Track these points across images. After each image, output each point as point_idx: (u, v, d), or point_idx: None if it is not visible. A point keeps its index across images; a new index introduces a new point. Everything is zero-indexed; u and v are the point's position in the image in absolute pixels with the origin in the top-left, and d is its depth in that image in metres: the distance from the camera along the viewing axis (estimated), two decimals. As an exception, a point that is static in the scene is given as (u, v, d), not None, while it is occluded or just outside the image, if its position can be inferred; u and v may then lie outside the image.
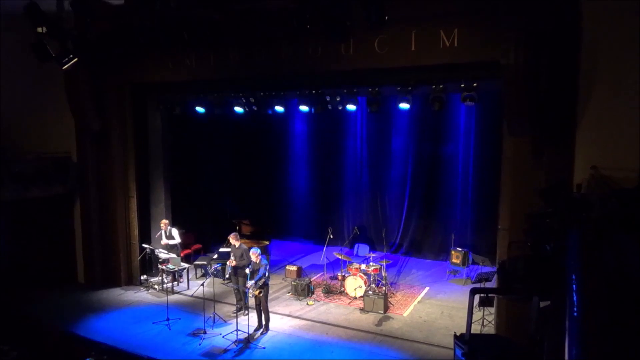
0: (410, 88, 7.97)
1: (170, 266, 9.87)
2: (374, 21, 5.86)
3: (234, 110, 9.60)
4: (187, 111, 10.05)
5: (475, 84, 7.53)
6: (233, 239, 8.69)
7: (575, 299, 3.73)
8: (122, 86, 9.77)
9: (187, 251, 11.44)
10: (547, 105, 6.32)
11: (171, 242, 10.25)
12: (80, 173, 10.22)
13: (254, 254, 8.09)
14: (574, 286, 3.81)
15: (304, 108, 8.99)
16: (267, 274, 8.02)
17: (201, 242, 12.02)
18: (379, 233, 11.65)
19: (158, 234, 10.26)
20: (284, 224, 13.56)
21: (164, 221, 10.32)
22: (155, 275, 10.47)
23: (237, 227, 11.52)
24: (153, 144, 10.52)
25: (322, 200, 13.07)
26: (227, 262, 8.64)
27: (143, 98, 10.19)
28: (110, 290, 10.13)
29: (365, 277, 9.41)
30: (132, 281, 10.44)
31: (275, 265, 11.47)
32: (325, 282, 10.17)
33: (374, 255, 10.14)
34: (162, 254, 10.04)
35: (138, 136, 10.15)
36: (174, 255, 10.09)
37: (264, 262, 8.08)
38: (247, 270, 8.08)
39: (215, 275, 9.34)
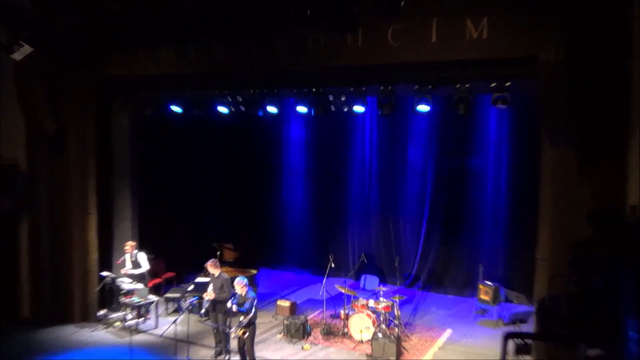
0: (430, 87, 8.08)
1: (135, 299, 9.91)
2: (387, 7, 5.89)
3: (217, 111, 9.70)
4: (161, 112, 10.15)
5: (508, 83, 7.59)
6: (212, 267, 8.76)
7: (631, 348, 3.67)
8: (84, 81, 9.79)
9: (156, 281, 11.51)
10: (595, 111, 6.40)
11: (137, 270, 10.31)
12: (29, 184, 10.29)
13: (239, 285, 8.14)
14: (630, 332, 3.77)
15: (302, 109, 9.08)
16: (253, 310, 8.03)
17: (174, 269, 12.11)
18: (391, 262, 11.75)
19: (121, 259, 10.30)
20: (276, 250, 13.73)
21: (130, 243, 10.35)
22: (117, 310, 10.46)
23: (219, 253, 11.58)
24: (119, 150, 10.61)
25: (322, 222, 13.26)
26: (204, 295, 8.68)
27: (108, 96, 10.26)
28: (61, 327, 10.11)
29: (373, 315, 9.44)
30: (88, 317, 10.40)
31: (264, 299, 11.45)
32: (324, 321, 10.17)
33: (384, 289, 10.17)
34: (126, 284, 10.12)
35: (101, 141, 10.21)
36: (140, 286, 10.14)
37: (251, 294, 8.13)
38: (229, 304, 8.09)
39: (190, 311, 9.19)
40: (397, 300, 9.80)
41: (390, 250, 12.32)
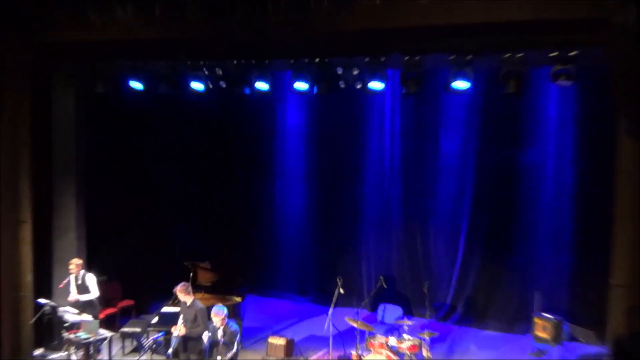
0: (469, 57, 8.04)
1: (82, 334, 9.85)
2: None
3: (190, 89, 9.75)
4: (116, 89, 10.15)
5: (574, 53, 7.57)
6: (182, 293, 8.89)
7: None
8: (16, 48, 9.68)
9: (110, 310, 11.51)
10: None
11: (84, 296, 10.33)
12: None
13: (218, 316, 8.31)
14: None
15: (301, 86, 9.06)
16: (236, 348, 8.20)
17: (133, 296, 12.13)
18: (419, 287, 11.75)
19: (64, 282, 10.34)
20: (267, 270, 13.85)
21: (75, 262, 10.38)
22: (58, 349, 10.40)
23: (192, 274, 11.56)
24: (61, 140, 10.68)
25: (327, 234, 13.41)
26: (173, 330, 8.75)
27: (49, 68, 10.28)
28: None
29: (395, 358, 9.46)
30: (20, 357, 10.20)
31: (252, 335, 11.45)
32: None
33: (409, 322, 10.24)
34: (70, 315, 10.09)
35: (37, 127, 10.18)
36: (88, 317, 10.10)
37: (233, 328, 8.31)
38: (205, 341, 8.24)
39: (154, 351, 9.34)
40: (427, 337, 9.84)
41: (417, 271, 12.47)
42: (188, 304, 8.87)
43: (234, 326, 8.35)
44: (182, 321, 8.75)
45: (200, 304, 8.95)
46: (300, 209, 13.72)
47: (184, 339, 8.68)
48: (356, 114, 12.68)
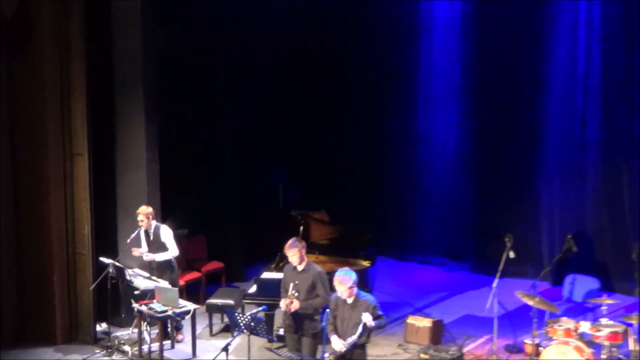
0: None
1: (156, 306, 9.87)
2: None
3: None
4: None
5: None
6: (294, 253, 8.70)
7: None
8: None
9: (192, 275, 11.67)
10: None
11: (159, 255, 10.40)
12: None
13: (344, 284, 8.12)
14: None
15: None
16: (360, 328, 7.99)
17: (223, 256, 12.24)
18: (623, 252, 11.84)
19: (132, 235, 10.38)
20: (405, 225, 13.90)
21: (144, 210, 10.39)
22: (127, 324, 10.70)
23: (303, 227, 11.41)
24: (123, 49, 10.82)
25: (489, 176, 13.34)
26: (282, 303, 8.65)
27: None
28: (32, 351, 10.41)
29: (588, 350, 9.27)
30: (77, 335, 10.61)
31: (382, 309, 10.78)
32: (495, 356, 10.24)
33: (609, 301, 10.04)
34: (141, 280, 10.21)
35: (94, 33, 10.42)
36: (164, 284, 10.14)
37: (367, 300, 8.20)
38: (323, 322, 8.22)
39: (252, 331, 8.82)
40: (636, 323, 9.58)
41: (621, 230, 12.28)
42: (301, 268, 8.70)
43: (368, 296, 8.25)
44: (293, 291, 8.52)
45: (319, 268, 8.87)
46: (450, 140, 13.68)
47: (296, 317, 8.57)
48: (531, 5, 12.62)
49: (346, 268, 8.56)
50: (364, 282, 10.71)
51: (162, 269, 10.45)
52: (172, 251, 10.44)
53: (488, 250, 12.45)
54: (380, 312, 8.32)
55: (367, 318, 8.01)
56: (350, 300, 8.12)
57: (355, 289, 8.13)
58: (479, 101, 13.46)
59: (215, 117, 12.82)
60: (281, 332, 9.15)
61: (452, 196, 13.76)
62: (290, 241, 8.79)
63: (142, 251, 10.41)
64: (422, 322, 10.63)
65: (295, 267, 8.79)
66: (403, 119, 14.01)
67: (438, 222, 13.86)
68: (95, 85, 10.58)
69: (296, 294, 8.61)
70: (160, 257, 10.39)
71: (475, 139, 13.57)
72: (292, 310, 8.61)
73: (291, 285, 8.66)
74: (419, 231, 13.95)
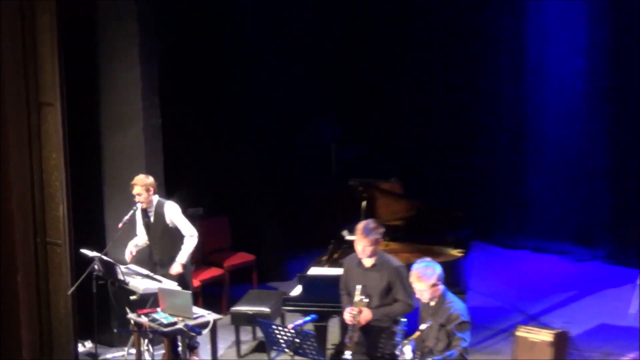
0: None
1: (162, 317, 8.78)
2: None
3: None
4: None
5: None
6: (365, 243, 7.71)
7: None
8: None
9: (212, 273, 10.94)
10: None
11: (184, 251, 9.51)
12: None
13: (423, 281, 7.26)
14: None
15: None
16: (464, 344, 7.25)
17: (255, 247, 11.54)
18: None
19: (126, 217, 9.26)
20: (510, 201, 13.11)
21: (141, 181, 9.28)
22: (121, 342, 9.76)
23: (366, 202, 10.36)
24: None
25: (630, 136, 12.12)
26: (346, 314, 7.84)
27: None
28: None
29: None
30: (52, 357, 9.49)
31: (485, 320, 10.49)
32: None
33: None
34: (139, 279, 9.27)
35: None
36: (172, 285, 9.08)
37: (455, 307, 7.29)
38: (398, 331, 7.46)
39: (297, 351, 7.73)
40: None
41: None
42: (370, 262, 7.59)
43: (458, 302, 7.16)
44: (361, 297, 7.52)
45: (397, 261, 7.83)
46: (577, 89, 12.26)
47: (367, 332, 7.63)
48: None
49: (427, 259, 7.50)
50: (452, 277, 9.24)
51: (168, 262, 9.12)
52: (188, 230, 9.16)
53: (631, 234, 11.37)
54: (462, 334, 7.16)
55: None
56: (433, 303, 7.25)
57: (441, 288, 7.19)
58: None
59: (242, 53, 11.75)
60: (347, 355, 7.67)
61: (580, 159, 12.56)
62: (363, 224, 7.62)
63: (140, 242, 9.19)
64: (538, 335, 8.96)
65: (360, 261, 7.74)
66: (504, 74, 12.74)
67: (559, 195, 12.65)
68: (71, 10, 9.27)
69: (366, 300, 7.60)
70: (185, 252, 9.12)
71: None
72: (363, 322, 7.56)
73: (357, 287, 7.63)
74: (532, 207, 12.80)
